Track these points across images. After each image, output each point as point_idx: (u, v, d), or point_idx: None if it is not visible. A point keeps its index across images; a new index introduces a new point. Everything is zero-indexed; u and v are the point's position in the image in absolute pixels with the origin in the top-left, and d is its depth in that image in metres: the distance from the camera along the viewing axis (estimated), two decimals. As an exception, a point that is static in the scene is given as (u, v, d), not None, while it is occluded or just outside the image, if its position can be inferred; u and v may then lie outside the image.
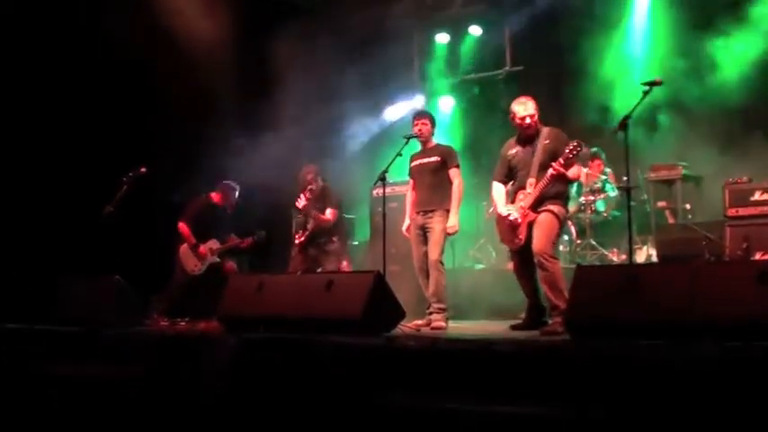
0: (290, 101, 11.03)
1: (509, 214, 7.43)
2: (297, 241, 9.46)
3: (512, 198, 7.61)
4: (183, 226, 9.96)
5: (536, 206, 7.28)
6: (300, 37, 11.19)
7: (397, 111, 13.68)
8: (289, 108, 11.04)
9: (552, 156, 7.27)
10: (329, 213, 9.38)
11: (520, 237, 7.36)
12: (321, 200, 9.43)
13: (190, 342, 6.74)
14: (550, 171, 7.16)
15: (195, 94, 10.72)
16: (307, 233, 9.37)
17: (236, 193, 10.32)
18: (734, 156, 10.06)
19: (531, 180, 7.33)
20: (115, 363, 6.59)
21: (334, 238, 9.51)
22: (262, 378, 5.72)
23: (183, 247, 9.96)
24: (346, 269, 9.50)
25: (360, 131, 13.33)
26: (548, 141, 7.39)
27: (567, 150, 7.13)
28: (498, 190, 7.77)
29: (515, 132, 7.71)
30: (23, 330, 7.55)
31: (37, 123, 10.16)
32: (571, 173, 7.28)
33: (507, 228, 7.50)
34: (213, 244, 9.94)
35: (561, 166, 7.14)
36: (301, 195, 9.30)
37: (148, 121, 10.83)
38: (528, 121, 7.49)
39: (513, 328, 7.50)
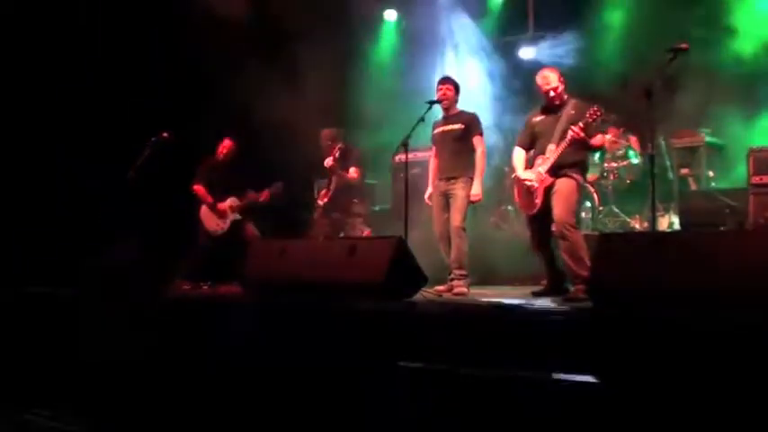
0: (310, 61, 10.97)
1: (527, 179, 7.43)
2: (320, 203, 9.54)
3: (531, 163, 7.60)
4: (197, 188, 9.92)
5: (554, 172, 7.26)
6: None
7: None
8: (309, 69, 11.00)
9: (575, 124, 7.24)
10: (353, 171, 9.47)
11: (536, 202, 7.35)
12: (344, 159, 9.52)
13: (212, 306, 6.79)
14: (570, 134, 7.13)
15: (216, 52, 10.68)
16: (330, 193, 9.46)
17: (233, 146, 10.19)
18: (759, 122, 10.02)
19: (552, 147, 7.32)
20: (138, 326, 6.64)
21: (356, 200, 9.56)
22: (283, 342, 5.76)
23: (203, 209, 9.91)
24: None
25: (381, 95, 13.28)
26: (573, 112, 7.36)
27: (588, 115, 7.11)
28: (519, 155, 7.75)
29: (540, 100, 7.70)
30: (48, 294, 7.61)
31: (60, 85, 10.19)
32: (593, 140, 7.26)
33: (525, 192, 7.50)
34: (232, 201, 9.85)
35: (582, 130, 7.11)
36: (330, 155, 9.40)
37: (172, 84, 10.83)
38: (552, 93, 7.47)
39: (535, 294, 7.51)
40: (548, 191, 7.30)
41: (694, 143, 10.60)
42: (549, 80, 7.50)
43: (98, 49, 10.51)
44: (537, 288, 7.77)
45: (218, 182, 9.94)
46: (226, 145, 10.04)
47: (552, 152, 7.29)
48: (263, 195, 9.90)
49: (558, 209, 7.19)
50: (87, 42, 10.41)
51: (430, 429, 4.77)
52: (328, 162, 9.55)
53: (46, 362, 6.87)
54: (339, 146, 9.56)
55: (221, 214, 9.82)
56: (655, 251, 5.28)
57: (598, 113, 7.14)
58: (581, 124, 7.12)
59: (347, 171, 9.49)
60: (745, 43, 10.49)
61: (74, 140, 10.18)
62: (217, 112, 10.56)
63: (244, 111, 10.30)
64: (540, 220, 7.43)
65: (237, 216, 9.83)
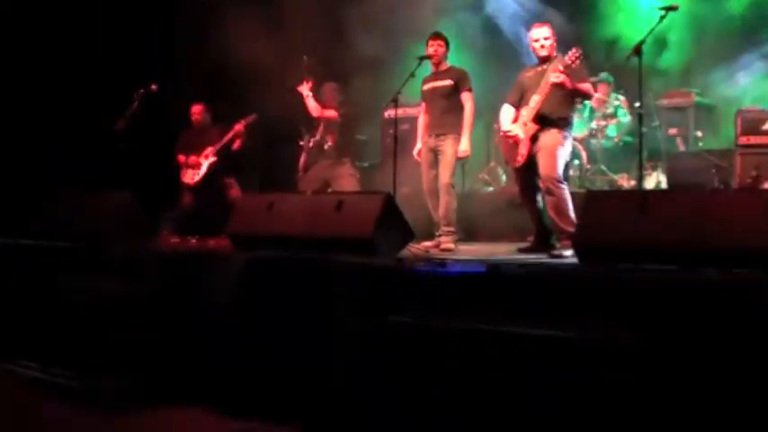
0: (293, 15, 10.89)
1: (510, 131, 7.42)
2: (306, 146, 9.48)
3: (516, 117, 7.58)
4: (179, 157, 10.05)
5: (538, 122, 7.25)
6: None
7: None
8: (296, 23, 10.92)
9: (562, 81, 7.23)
10: (331, 113, 9.43)
11: (522, 153, 7.33)
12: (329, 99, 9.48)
13: (200, 259, 6.80)
14: (552, 77, 7.11)
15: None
16: (315, 139, 9.42)
17: (203, 109, 10.20)
18: (745, 83, 10.06)
19: (536, 97, 7.28)
20: (125, 278, 6.66)
21: (345, 159, 9.51)
22: (271, 296, 5.78)
23: (182, 170, 10.04)
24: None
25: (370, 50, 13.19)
26: (561, 66, 7.34)
27: (568, 56, 7.10)
28: (507, 111, 7.68)
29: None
30: (36, 246, 7.61)
31: (46, 35, 10.12)
32: (580, 87, 7.24)
33: (510, 145, 7.50)
34: (206, 151, 9.92)
35: (562, 73, 7.09)
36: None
37: (157, 36, 10.77)
38: (542, 42, 7.45)
39: (521, 250, 7.54)
40: (533, 142, 7.29)
41: (683, 103, 10.64)
42: (542, 31, 7.49)
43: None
44: (523, 244, 7.80)
45: (196, 145, 9.94)
46: (196, 110, 10.03)
47: (536, 101, 7.27)
48: (237, 128, 9.86)
49: (543, 164, 7.19)
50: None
51: (417, 383, 4.82)
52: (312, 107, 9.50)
53: (37, 315, 6.91)
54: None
55: (195, 165, 9.83)
56: (641, 209, 5.30)
57: (578, 55, 7.12)
58: (560, 67, 7.10)
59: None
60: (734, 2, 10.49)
61: (59, 92, 10.14)
62: (197, 67, 10.54)
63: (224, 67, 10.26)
64: (526, 173, 7.42)
65: (212, 158, 9.82)
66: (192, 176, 9.83)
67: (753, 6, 10.43)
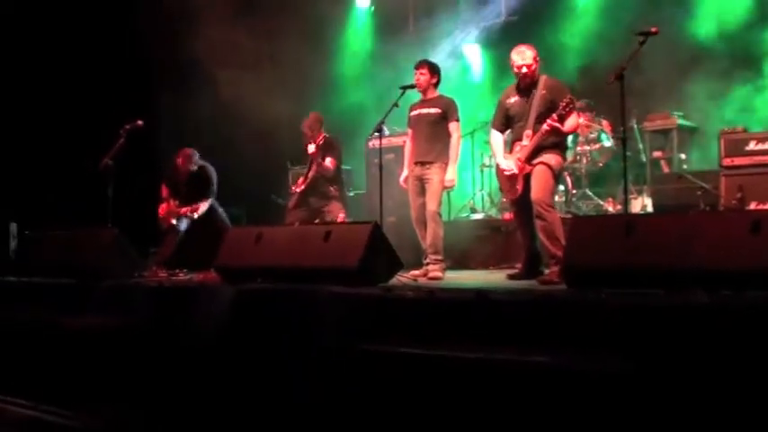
0: (278, 49, 10.96)
1: (507, 168, 7.46)
2: (296, 190, 9.58)
3: (510, 148, 7.63)
4: (162, 189, 10.07)
5: (532, 157, 7.30)
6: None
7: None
8: (278, 56, 10.99)
9: (549, 106, 7.28)
10: (329, 162, 9.48)
11: (518, 188, 7.40)
12: (323, 149, 9.53)
13: (188, 293, 6.79)
14: (545, 126, 7.18)
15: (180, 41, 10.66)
16: (307, 180, 9.50)
17: (191, 160, 10.06)
18: (728, 105, 10.13)
19: (528, 132, 7.35)
20: (114, 314, 6.65)
21: (332, 188, 9.58)
22: (259, 328, 5.77)
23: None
24: (343, 221, 9.56)
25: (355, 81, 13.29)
26: (545, 91, 7.38)
27: (561, 106, 7.15)
28: (496, 139, 7.77)
29: (514, 81, 7.72)
30: (20, 284, 7.60)
31: (33, 74, 10.15)
32: (567, 126, 7.30)
33: (506, 179, 7.53)
34: (186, 208, 9.91)
35: (555, 121, 7.16)
36: (313, 142, 9.51)
37: (145, 74, 10.80)
38: (525, 70, 7.48)
39: (510, 277, 7.55)
40: (527, 176, 7.33)
41: (666, 126, 10.72)
42: (525, 56, 7.49)
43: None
44: (512, 271, 7.82)
45: (180, 191, 10.01)
46: (181, 156, 10.02)
47: (529, 138, 7.32)
48: (196, 208, 9.83)
49: (535, 189, 7.22)
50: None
51: (404, 414, 4.81)
52: (311, 149, 9.57)
53: (28, 351, 6.88)
54: (324, 135, 9.59)
55: (175, 213, 9.86)
56: (627, 233, 5.33)
57: (571, 104, 7.18)
58: (555, 116, 7.15)
59: (324, 160, 9.51)
60: (711, 24, 10.60)
61: (47, 130, 10.15)
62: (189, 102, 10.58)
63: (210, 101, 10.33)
64: (522, 203, 7.45)
65: (172, 222, 9.87)
66: (168, 220, 9.85)
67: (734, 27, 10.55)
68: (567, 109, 7.16)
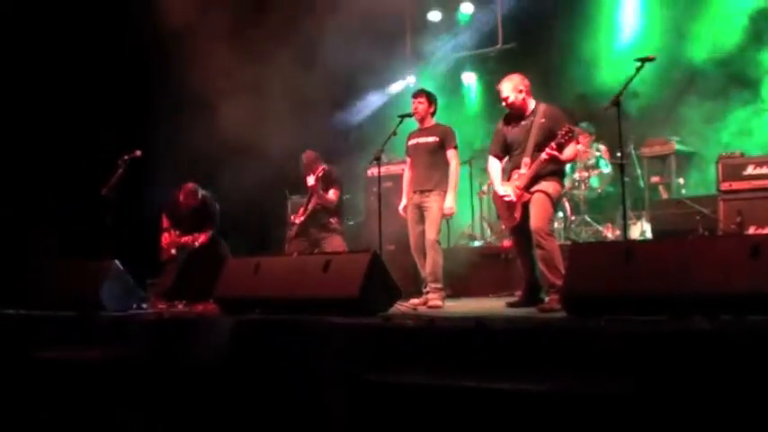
0: (277, 81, 10.99)
1: (505, 195, 7.46)
2: (296, 221, 9.59)
3: (508, 176, 7.63)
4: (163, 220, 10.09)
5: (531, 185, 7.29)
6: (287, 15, 11.15)
7: (391, 90, 13.68)
8: (277, 89, 11.01)
9: (547, 134, 7.27)
10: (332, 193, 9.53)
11: (516, 216, 7.38)
12: (326, 181, 9.56)
13: (187, 324, 6.77)
14: (543, 155, 7.18)
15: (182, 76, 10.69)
16: (307, 212, 9.52)
17: (193, 196, 10.14)
18: (726, 129, 10.16)
19: (526, 160, 7.34)
20: (113, 346, 6.62)
21: (333, 219, 9.60)
22: (259, 359, 5.75)
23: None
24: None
25: (352, 111, 13.32)
26: (543, 120, 7.38)
27: (560, 135, 7.14)
28: (494, 166, 7.76)
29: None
30: (19, 316, 7.57)
31: (31, 105, 10.15)
32: (566, 154, 7.28)
33: (504, 206, 7.53)
34: (186, 237, 9.95)
35: (554, 149, 7.15)
36: (312, 174, 9.55)
37: (143, 105, 10.82)
38: (511, 100, 7.49)
39: (510, 305, 7.53)
40: (526, 204, 7.32)
41: (664, 152, 10.73)
42: (505, 88, 7.52)
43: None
44: (512, 299, 7.80)
45: (182, 222, 10.03)
46: (184, 190, 10.04)
47: (527, 166, 7.32)
48: (201, 239, 9.88)
49: (534, 217, 7.21)
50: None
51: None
52: (311, 181, 9.59)
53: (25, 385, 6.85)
54: (323, 167, 9.62)
55: (176, 244, 9.87)
56: (627, 259, 5.33)
57: (570, 134, 7.17)
58: (554, 145, 7.15)
59: (327, 192, 9.54)
60: (706, 47, 10.64)
61: (45, 159, 10.15)
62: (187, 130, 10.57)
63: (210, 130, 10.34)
64: (521, 230, 7.44)
65: (173, 253, 9.87)
66: (169, 250, 9.85)
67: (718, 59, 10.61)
68: (566, 138, 7.16)
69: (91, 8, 10.44)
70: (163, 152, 10.05)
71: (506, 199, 7.44)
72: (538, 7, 12.37)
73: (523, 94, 7.50)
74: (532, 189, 7.27)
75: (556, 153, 7.15)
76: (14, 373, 6.90)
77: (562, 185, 7.60)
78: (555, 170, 7.37)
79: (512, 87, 7.49)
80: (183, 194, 9.98)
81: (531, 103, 7.54)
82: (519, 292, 7.80)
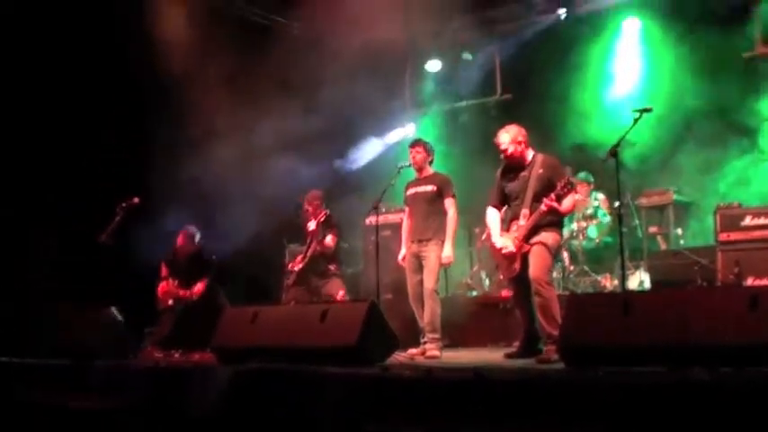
0: (276, 128, 11.03)
1: (505, 246, 7.44)
2: (295, 269, 9.59)
3: (507, 227, 7.62)
4: (162, 269, 10.06)
5: (530, 236, 7.28)
6: (287, 61, 11.23)
7: (390, 138, 13.73)
8: (276, 135, 11.06)
9: (546, 185, 7.27)
10: (330, 239, 9.54)
11: (515, 266, 7.37)
12: (325, 226, 9.57)
13: (183, 374, 6.73)
14: (543, 207, 7.17)
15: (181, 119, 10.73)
16: (306, 258, 9.51)
17: (192, 240, 10.13)
18: (723, 178, 10.21)
19: (525, 211, 7.34)
20: (109, 395, 6.58)
21: (332, 267, 9.61)
22: (256, 409, 5.72)
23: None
24: (342, 299, 9.54)
25: (350, 158, 13.36)
26: (542, 170, 7.39)
27: (559, 186, 7.13)
28: (493, 216, 7.76)
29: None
30: (14, 364, 7.54)
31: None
32: (564, 206, 7.28)
33: (503, 257, 7.52)
34: (185, 291, 9.91)
35: (553, 201, 7.15)
36: (314, 219, 9.58)
37: (141, 152, 10.83)
38: (510, 151, 7.51)
39: (508, 356, 7.49)
40: (525, 254, 7.31)
41: (662, 202, 10.76)
42: (502, 138, 7.54)
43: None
44: (510, 350, 7.76)
45: (180, 270, 10.01)
46: (181, 236, 10.04)
47: (526, 218, 7.32)
48: (196, 291, 9.85)
49: (533, 267, 7.20)
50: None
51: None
52: (312, 226, 9.60)
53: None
54: (325, 211, 9.63)
55: (174, 294, 9.83)
56: (625, 310, 5.32)
57: (568, 186, 7.16)
58: (553, 196, 7.14)
59: (324, 237, 9.54)
60: (704, 97, 10.72)
61: (42, 204, 10.14)
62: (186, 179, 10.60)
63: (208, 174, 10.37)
64: (520, 281, 7.42)
65: (170, 303, 9.84)
66: (166, 300, 9.82)
67: (713, 106, 10.68)
68: (565, 190, 7.15)
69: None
70: (162, 199, 10.05)
71: (505, 251, 7.42)
72: (535, 58, 12.48)
73: (522, 146, 7.53)
74: (532, 240, 7.26)
75: (555, 205, 7.15)
76: (7, 420, 6.87)
77: (561, 235, 7.61)
78: (554, 221, 7.37)
79: (510, 138, 7.51)
80: (181, 238, 9.98)
81: (530, 154, 7.56)
82: (517, 343, 7.77)
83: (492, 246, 7.75)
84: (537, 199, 7.29)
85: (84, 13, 10.20)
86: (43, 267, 9.95)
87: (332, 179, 12.03)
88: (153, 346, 9.22)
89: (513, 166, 7.59)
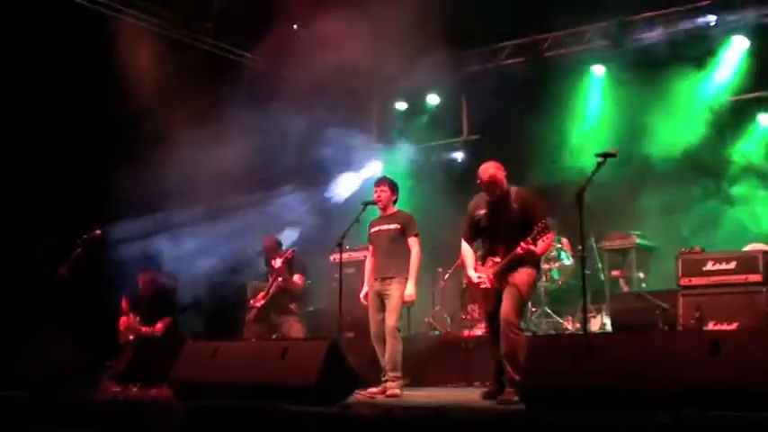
0: (243, 167, 11.02)
1: (480, 281, 7.39)
2: (257, 305, 9.56)
3: (482, 261, 7.55)
4: (123, 302, 9.97)
5: (505, 273, 7.22)
6: (255, 102, 11.23)
7: (355, 178, 13.75)
8: (242, 173, 11.05)
9: (520, 218, 7.20)
10: (297, 278, 9.58)
11: (492, 300, 7.31)
12: (292, 265, 9.59)
13: (139, 409, 6.64)
14: (519, 249, 7.10)
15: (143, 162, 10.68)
16: (268, 296, 9.50)
17: (153, 284, 10.03)
18: (685, 222, 10.29)
19: (500, 247, 7.28)
20: (64, 429, 6.48)
21: (293, 305, 9.59)
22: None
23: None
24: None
25: (316, 198, 13.35)
26: (516, 206, 7.31)
27: (536, 230, 7.07)
28: (468, 250, 7.68)
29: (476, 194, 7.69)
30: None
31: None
32: (540, 248, 7.19)
33: (479, 292, 7.47)
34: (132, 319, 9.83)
35: (529, 244, 7.10)
36: (275, 258, 9.64)
37: (104, 181, 10.74)
38: (492, 172, 7.34)
39: (484, 396, 7.40)
40: (500, 292, 7.25)
41: (625, 245, 10.82)
42: (481, 174, 7.41)
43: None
44: (484, 390, 7.64)
45: (142, 308, 9.93)
46: (142, 280, 9.98)
47: (500, 255, 7.27)
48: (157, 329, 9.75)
49: (504, 307, 7.09)
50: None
51: None
52: (277, 263, 9.57)
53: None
54: (291, 250, 9.68)
55: (135, 329, 9.74)
56: (586, 353, 5.31)
57: (545, 229, 7.10)
58: (530, 239, 7.08)
59: (292, 276, 9.53)
60: (667, 143, 10.84)
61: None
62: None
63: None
64: (496, 316, 7.32)
65: (130, 337, 9.75)
66: (127, 335, 9.73)
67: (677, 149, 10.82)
68: (541, 233, 7.09)
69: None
70: (122, 231, 9.98)
71: (482, 286, 7.37)
72: (501, 101, 12.54)
73: (502, 174, 7.44)
74: (508, 278, 7.20)
75: (531, 247, 7.09)
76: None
77: (538, 270, 7.53)
78: (531, 259, 7.31)
79: (487, 175, 7.42)
80: (142, 281, 9.92)
81: (505, 189, 7.47)
82: (489, 383, 7.67)
83: (468, 279, 7.70)
84: (511, 233, 7.22)
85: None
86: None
87: (296, 215, 12.03)
88: (110, 380, 9.09)
89: (489, 200, 7.49)
